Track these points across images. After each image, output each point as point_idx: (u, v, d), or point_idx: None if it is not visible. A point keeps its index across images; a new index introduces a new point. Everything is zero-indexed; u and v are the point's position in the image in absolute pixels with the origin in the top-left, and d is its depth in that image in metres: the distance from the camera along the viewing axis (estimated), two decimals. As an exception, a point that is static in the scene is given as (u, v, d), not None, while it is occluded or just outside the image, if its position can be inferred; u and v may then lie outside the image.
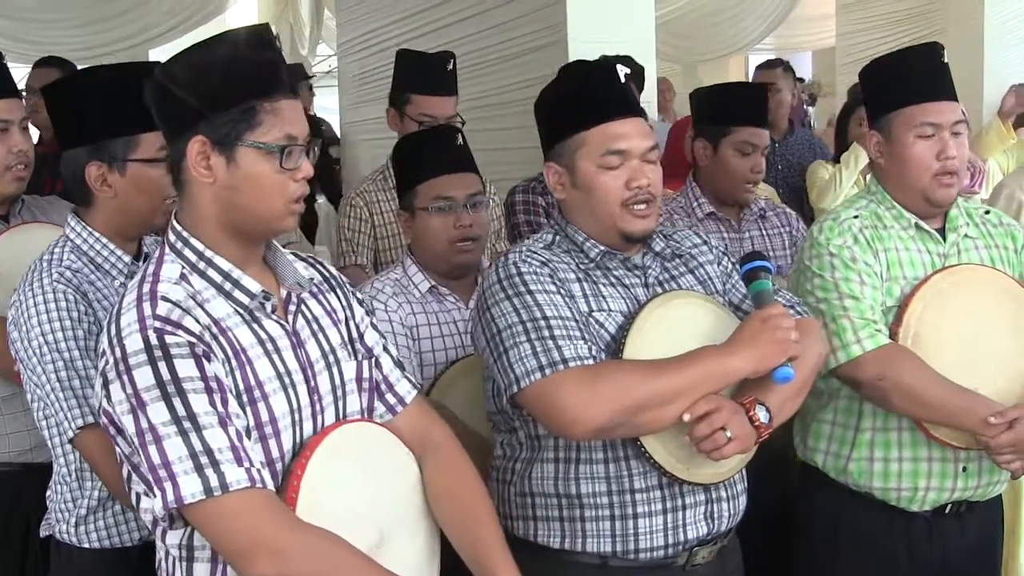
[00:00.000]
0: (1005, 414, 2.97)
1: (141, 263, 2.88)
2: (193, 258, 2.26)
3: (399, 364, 2.58)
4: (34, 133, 4.42)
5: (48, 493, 2.90)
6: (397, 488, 2.44)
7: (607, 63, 2.86)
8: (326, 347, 2.39)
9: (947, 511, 3.21)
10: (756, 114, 4.32)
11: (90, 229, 2.83)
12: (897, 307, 3.11)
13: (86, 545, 2.83)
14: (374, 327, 2.57)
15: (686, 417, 2.55)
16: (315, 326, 2.40)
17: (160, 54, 9.00)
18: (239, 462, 2.09)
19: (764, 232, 4.35)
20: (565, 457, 2.73)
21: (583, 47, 5.15)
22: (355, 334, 2.50)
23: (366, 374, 2.47)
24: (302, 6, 9.90)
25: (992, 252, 3.27)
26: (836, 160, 5.93)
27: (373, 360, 2.51)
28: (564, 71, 3.03)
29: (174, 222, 2.31)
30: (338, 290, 2.52)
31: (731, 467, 2.72)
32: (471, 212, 3.42)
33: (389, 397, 2.52)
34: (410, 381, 2.57)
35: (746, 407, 2.60)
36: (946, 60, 3.26)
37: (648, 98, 6.09)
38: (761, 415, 2.60)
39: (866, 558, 3.22)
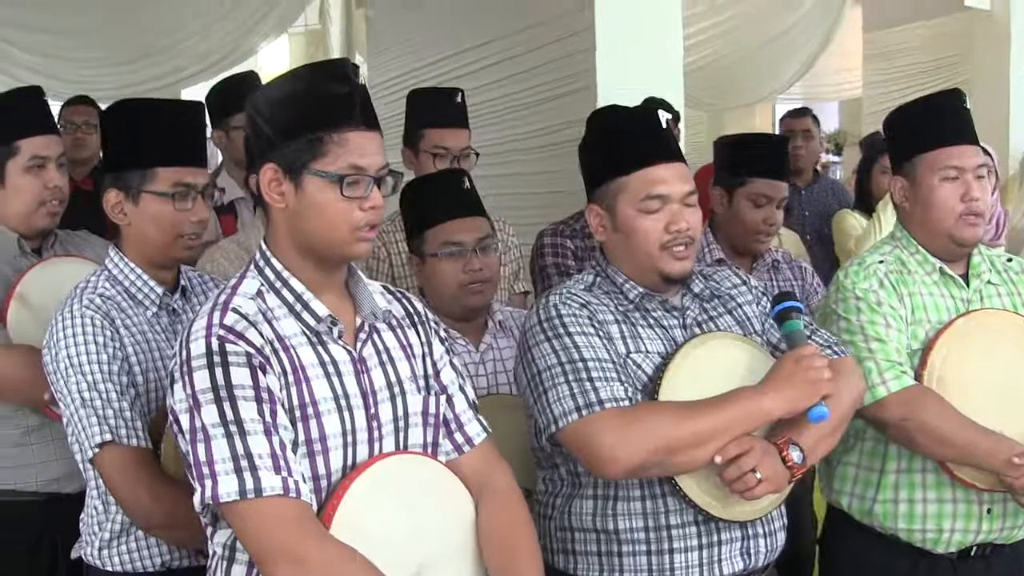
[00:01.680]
0: None
1: (177, 295, 2.98)
2: (271, 277, 2.37)
3: (473, 405, 2.62)
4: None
5: (82, 516, 2.95)
6: (445, 524, 2.45)
7: (648, 108, 2.92)
8: (392, 377, 2.45)
9: (972, 553, 3.22)
10: (772, 166, 4.33)
11: (126, 260, 2.93)
12: (921, 350, 3.14)
13: (110, 568, 2.88)
14: (453, 366, 2.61)
15: (717, 459, 2.59)
16: (384, 356, 2.46)
17: (192, 94, 9.11)
18: (277, 470, 2.17)
19: (775, 283, 4.35)
20: (603, 494, 2.77)
21: (611, 94, 5.17)
22: (430, 370, 2.55)
23: (433, 409, 2.51)
24: (332, 50, 9.97)
25: (1014, 299, 3.30)
26: (856, 208, 5.96)
27: (445, 397, 2.55)
28: (603, 115, 3.06)
29: (262, 242, 2.42)
30: (419, 327, 2.58)
31: (766, 505, 2.75)
32: (480, 256, 3.43)
33: (457, 436, 2.56)
34: (481, 424, 2.61)
35: (779, 447, 2.64)
36: (968, 106, 3.30)
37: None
38: (794, 455, 2.64)
39: (890, 601, 3.23)
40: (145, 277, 2.92)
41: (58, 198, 3.47)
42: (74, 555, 3.01)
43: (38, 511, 3.44)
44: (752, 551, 2.80)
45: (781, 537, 2.90)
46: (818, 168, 7.02)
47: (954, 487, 3.15)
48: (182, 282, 3.03)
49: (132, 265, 2.92)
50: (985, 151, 5.56)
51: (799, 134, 6.81)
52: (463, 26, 6.54)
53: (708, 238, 4.41)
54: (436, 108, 4.58)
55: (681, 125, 5.82)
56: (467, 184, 3.62)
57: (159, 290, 2.94)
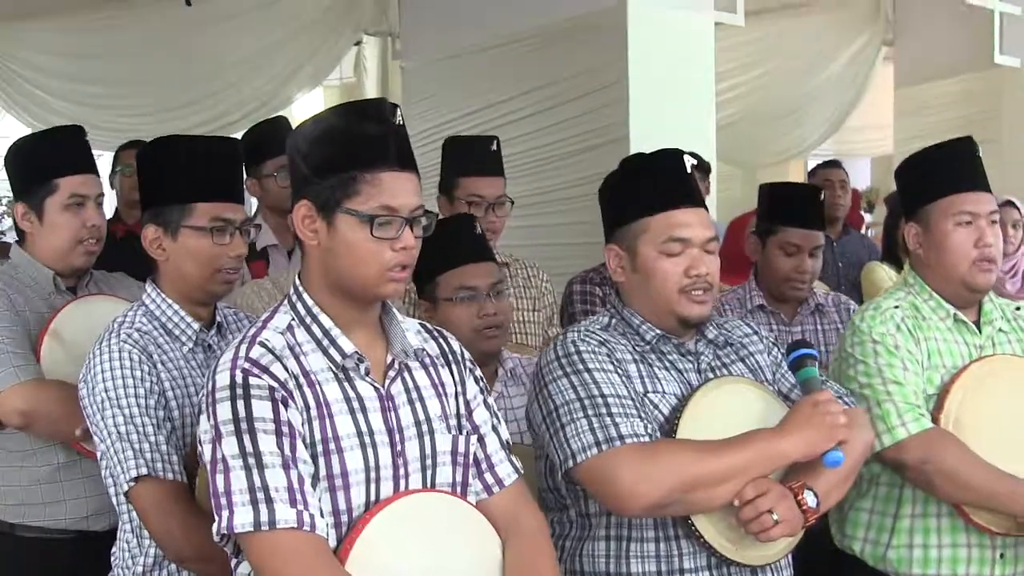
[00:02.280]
0: None
1: (213, 331, 3.02)
2: (302, 312, 2.40)
3: (506, 446, 2.62)
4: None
5: (113, 550, 2.97)
6: (471, 565, 2.44)
7: (675, 152, 2.92)
8: (422, 416, 2.46)
9: None
10: (803, 215, 4.37)
11: (163, 296, 2.97)
12: (937, 394, 3.16)
13: None
14: (487, 406, 2.62)
15: (736, 501, 2.60)
16: (414, 394, 2.47)
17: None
18: (293, 503, 2.20)
19: (819, 327, 4.39)
20: (617, 535, 2.77)
21: (644, 146, 5.22)
22: (463, 410, 2.56)
23: (462, 448, 2.51)
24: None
25: None
26: (885, 260, 5.97)
27: (477, 437, 2.56)
28: (629, 159, 3.08)
29: (296, 278, 2.45)
30: (454, 366, 2.59)
31: (779, 550, 2.75)
32: (494, 300, 3.45)
33: (488, 476, 2.56)
34: (513, 465, 2.61)
35: (794, 491, 2.65)
36: (980, 154, 3.34)
37: (710, 200, 6.16)
38: (809, 499, 2.65)
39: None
40: (182, 313, 2.97)
41: (95, 237, 3.53)
42: None
43: (68, 549, 3.47)
44: None
45: None
46: (847, 222, 7.05)
47: (968, 532, 3.16)
48: (218, 318, 3.07)
49: (169, 301, 2.97)
50: (1014, 204, 5.63)
51: (836, 184, 6.84)
52: (498, 78, 6.61)
53: (751, 284, 4.47)
54: (472, 156, 4.60)
55: (712, 178, 5.88)
56: (478, 229, 3.64)
57: (195, 326, 2.98)
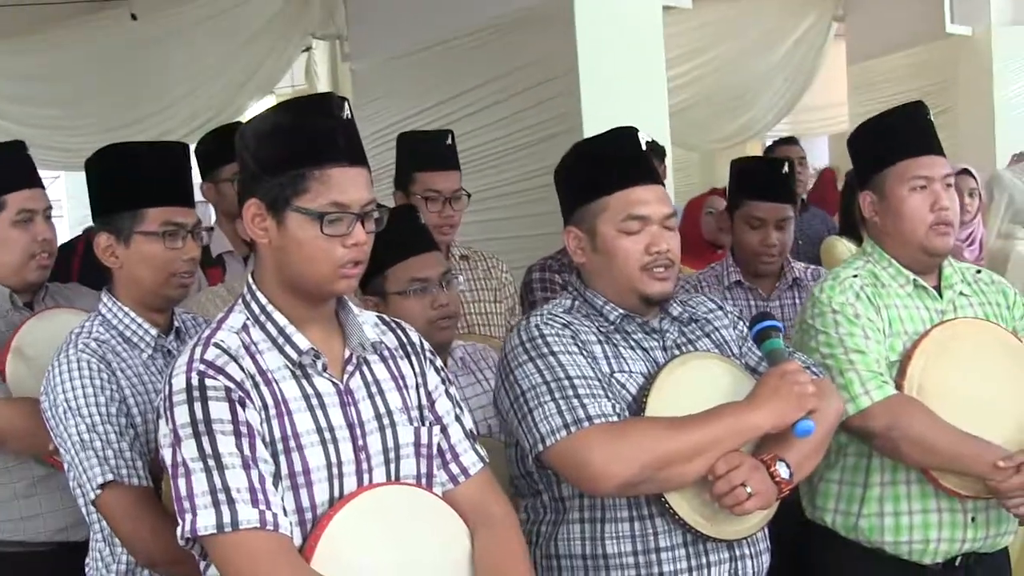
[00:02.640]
0: (1013, 458, 3.01)
1: (171, 336, 3.00)
2: (256, 311, 2.38)
3: (470, 435, 2.60)
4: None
5: (87, 560, 2.95)
6: (439, 557, 2.43)
7: (629, 130, 2.91)
8: (382, 409, 2.44)
9: (957, 564, 3.23)
10: (766, 188, 4.38)
11: (119, 304, 2.95)
12: (900, 361, 3.16)
13: None
14: (449, 396, 2.60)
15: (708, 476, 2.60)
16: (374, 388, 2.45)
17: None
18: (254, 503, 2.18)
19: (797, 300, 4.38)
20: (591, 517, 2.75)
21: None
22: (424, 401, 2.54)
23: (425, 440, 2.49)
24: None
25: (986, 309, 3.33)
26: (844, 235, 5.98)
27: (440, 428, 2.54)
28: (583, 141, 3.08)
29: (249, 277, 2.43)
30: (413, 357, 2.56)
31: (754, 524, 2.75)
32: (446, 290, 3.42)
33: (453, 467, 2.55)
34: (478, 453, 2.59)
35: (767, 463, 2.64)
36: (931, 118, 3.34)
37: (668, 183, 6.15)
38: (782, 471, 2.64)
39: (880, 615, 3.23)
40: (139, 320, 2.95)
41: (47, 251, 3.50)
42: None
43: (47, 561, 3.45)
44: (740, 572, 2.80)
45: (766, 559, 2.89)
46: (813, 200, 7.07)
47: (938, 497, 3.17)
48: (176, 324, 3.05)
49: (125, 309, 2.95)
50: (970, 173, 5.65)
51: (795, 161, 6.84)
52: (448, 74, 6.60)
53: (729, 261, 4.48)
54: (426, 151, 4.59)
55: (669, 163, 5.87)
56: (422, 219, 3.61)
57: (153, 332, 2.96)
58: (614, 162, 2.86)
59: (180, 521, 2.21)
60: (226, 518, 2.17)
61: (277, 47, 8.76)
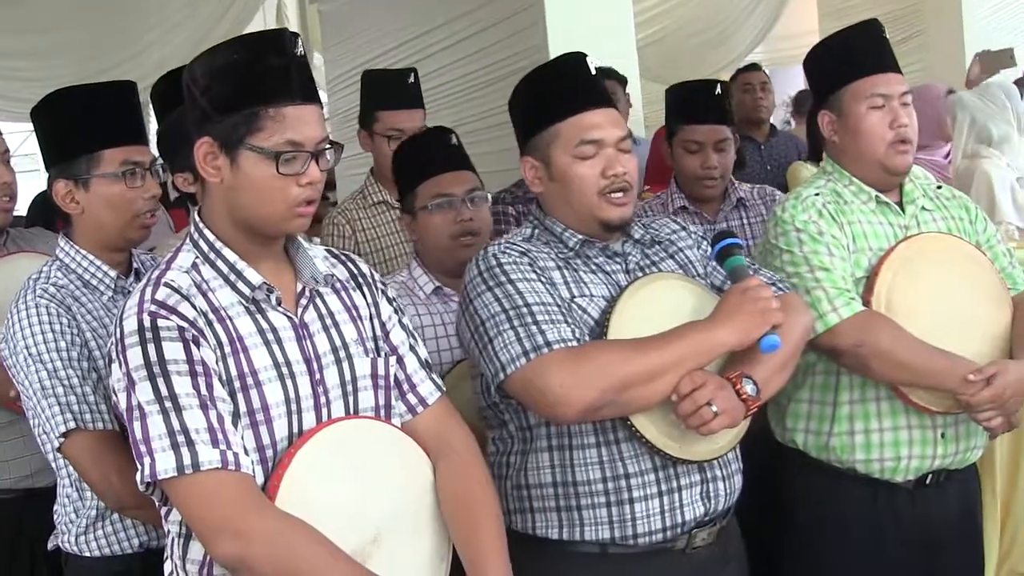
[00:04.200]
0: (983, 371, 3.02)
1: (131, 278, 2.98)
2: (205, 248, 2.36)
3: (426, 365, 2.60)
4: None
5: (55, 507, 2.96)
6: (402, 488, 2.44)
7: (577, 55, 2.89)
8: (338, 342, 2.44)
9: (928, 481, 3.24)
10: (699, 111, 4.34)
11: (77, 248, 2.93)
12: (866, 277, 3.15)
13: (88, 554, 2.91)
14: (403, 326, 2.59)
15: (673, 396, 2.58)
16: (328, 320, 2.45)
17: (153, 105, 9.13)
18: (215, 443, 2.17)
19: (745, 221, 4.39)
20: (558, 444, 2.74)
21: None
22: (379, 332, 2.54)
23: (382, 371, 2.49)
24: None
25: (949, 223, 3.33)
26: (811, 159, 6.00)
27: (396, 359, 2.54)
28: (535, 68, 3.04)
29: (195, 215, 2.41)
30: (365, 288, 2.56)
31: (724, 444, 2.74)
32: (471, 207, 3.45)
33: (410, 397, 2.55)
34: (435, 383, 2.60)
35: (733, 381, 2.62)
36: (887, 35, 3.33)
37: (635, 116, 6.17)
38: (748, 388, 2.62)
39: (853, 534, 3.24)
40: (98, 263, 2.94)
41: (7, 194, 3.51)
42: (50, 545, 3.03)
43: (14, 508, 3.47)
44: (712, 494, 2.80)
45: (738, 480, 2.89)
46: (773, 123, 7.08)
47: (908, 414, 3.18)
48: (135, 265, 3.05)
49: (84, 252, 2.94)
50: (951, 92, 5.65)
51: (757, 87, 6.87)
52: (414, 12, 6.59)
53: (672, 187, 4.46)
54: (390, 90, 4.61)
55: (634, 91, 5.88)
56: (454, 140, 3.63)
57: (112, 274, 2.95)
58: (563, 88, 2.84)
59: (139, 465, 2.19)
60: (186, 460, 2.15)
61: (244, -10, 8.75)
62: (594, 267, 2.84)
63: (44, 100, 2.99)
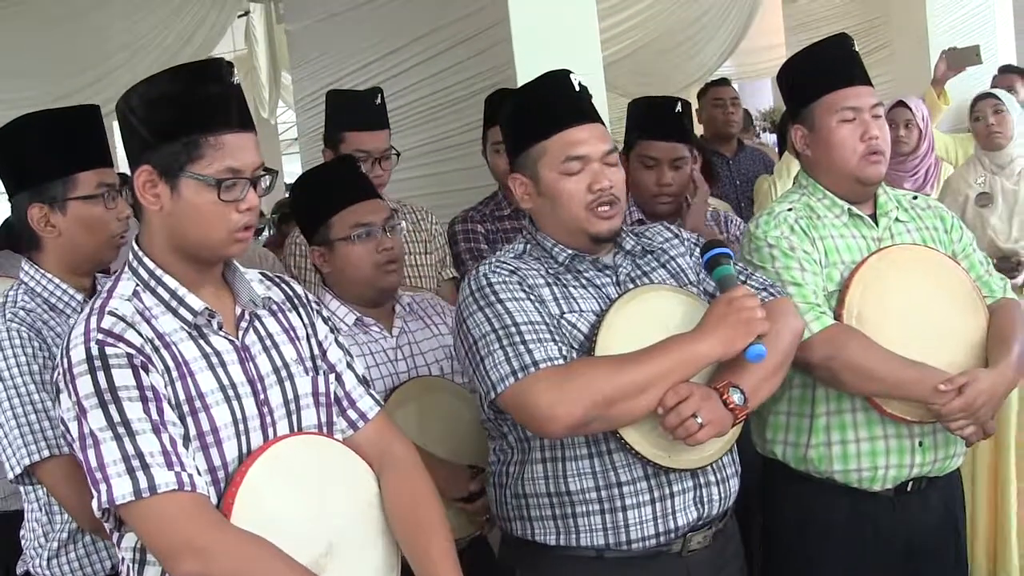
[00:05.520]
0: (954, 381, 3.03)
1: None
2: (145, 276, 2.38)
3: (364, 381, 2.66)
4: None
5: (22, 533, 2.96)
6: (350, 501, 2.50)
7: (561, 72, 2.93)
8: (279, 362, 2.48)
9: (908, 489, 3.26)
10: (656, 127, 4.32)
11: (43, 271, 2.93)
12: (838, 291, 3.17)
13: None
14: (339, 344, 2.64)
15: (659, 409, 2.62)
16: (268, 342, 2.50)
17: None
18: (169, 466, 2.20)
19: (700, 238, 4.37)
20: (552, 456, 2.80)
21: (532, 84, 5.25)
22: (316, 351, 2.59)
23: (323, 389, 2.55)
24: (260, 70, 9.99)
25: (924, 234, 3.35)
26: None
27: (334, 376, 2.58)
28: (519, 89, 3.11)
29: (133, 243, 2.43)
30: (301, 309, 2.61)
31: (714, 451, 2.78)
32: (390, 235, 3.46)
33: (351, 413, 2.60)
34: (373, 398, 2.66)
35: (719, 391, 2.67)
36: (857, 49, 3.35)
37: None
38: (735, 397, 2.67)
39: (835, 544, 3.26)
40: (64, 286, 2.94)
41: None
42: (19, 570, 3.01)
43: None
44: (706, 499, 2.84)
45: (735, 483, 2.93)
46: (741, 139, 7.11)
47: (884, 424, 3.19)
48: (99, 287, 3.01)
49: (49, 276, 2.93)
50: (905, 104, 5.71)
51: (727, 102, 6.89)
52: (380, 31, 6.57)
53: (630, 202, 4.40)
54: (356, 111, 4.61)
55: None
56: (361, 169, 3.68)
57: (79, 297, 2.94)
58: (548, 106, 2.89)
59: (95, 492, 2.21)
60: (143, 483, 2.18)
61: (213, 10, 8.74)
62: (584, 281, 2.88)
63: (8, 127, 2.98)
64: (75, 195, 2.91)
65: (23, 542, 2.97)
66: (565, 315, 2.79)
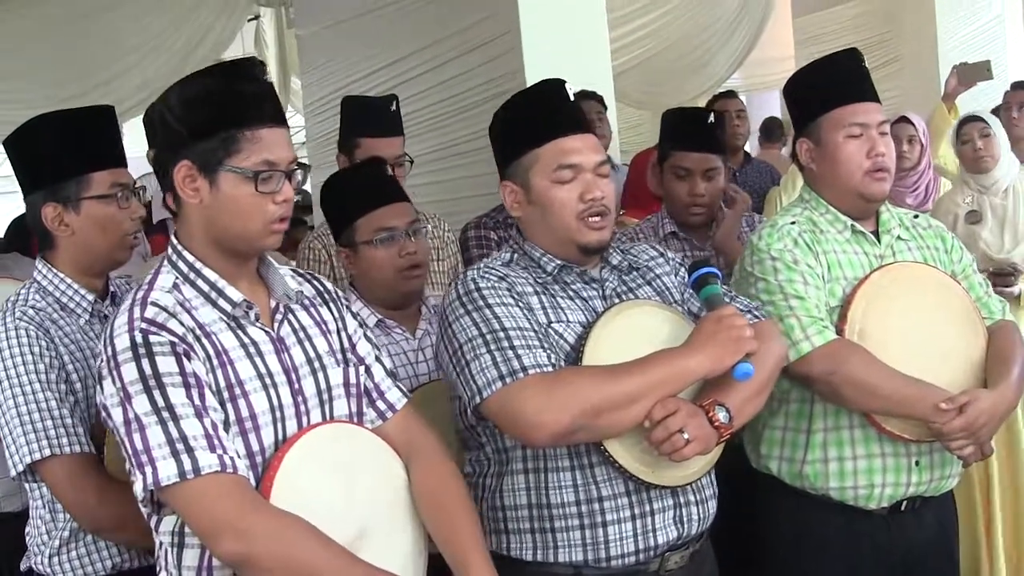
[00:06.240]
0: (955, 400, 3.02)
1: (108, 302, 3.02)
2: (185, 269, 2.45)
3: (392, 374, 2.71)
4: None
5: (27, 530, 2.97)
6: (380, 488, 2.55)
7: (556, 81, 2.92)
8: (312, 354, 2.55)
9: (903, 508, 3.24)
10: (691, 138, 4.34)
11: (55, 271, 2.95)
12: (840, 306, 3.16)
13: (60, 575, 2.91)
14: (368, 339, 2.70)
15: (646, 423, 2.60)
16: (302, 334, 2.56)
17: (132, 127, 9.14)
18: (212, 449, 2.26)
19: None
20: (534, 467, 2.77)
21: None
22: (347, 344, 2.65)
23: (353, 380, 2.61)
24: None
25: (924, 253, 3.34)
26: None
27: (364, 368, 2.64)
28: (515, 94, 3.08)
29: (173, 238, 2.50)
30: (331, 304, 2.68)
31: (696, 470, 2.76)
32: (414, 240, 3.48)
33: (380, 404, 2.65)
34: (401, 390, 2.70)
35: (705, 409, 2.65)
36: (866, 64, 3.35)
37: (612, 142, 6.17)
38: (721, 415, 2.65)
39: (832, 557, 3.24)
40: (76, 286, 2.95)
41: None
42: (23, 567, 3.02)
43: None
44: (685, 519, 2.81)
45: (712, 505, 2.91)
46: (747, 150, 7.12)
47: (882, 442, 3.18)
48: (112, 288, 3.07)
49: (62, 275, 2.95)
50: (909, 120, 5.70)
51: (733, 114, 6.90)
52: (391, 37, 6.60)
53: (663, 213, 4.45)
54: (370, 117, 4.64)
55: (612, 116, 5.90)
56: (390, 172, 3.69)
57: (90, 297, 2.96)
58: (542, 114, 2.88)
59: (139, 475, 2.26)
60: (187, 465, 2.24)
61: (223, 14, 8.76)
62: (571, 293, 2.86)
63: (24, 127, 3.00)
64: (89, 195, 2.93)
65: (28, 538, 2.98)
66: (552, 325, 2.78)
